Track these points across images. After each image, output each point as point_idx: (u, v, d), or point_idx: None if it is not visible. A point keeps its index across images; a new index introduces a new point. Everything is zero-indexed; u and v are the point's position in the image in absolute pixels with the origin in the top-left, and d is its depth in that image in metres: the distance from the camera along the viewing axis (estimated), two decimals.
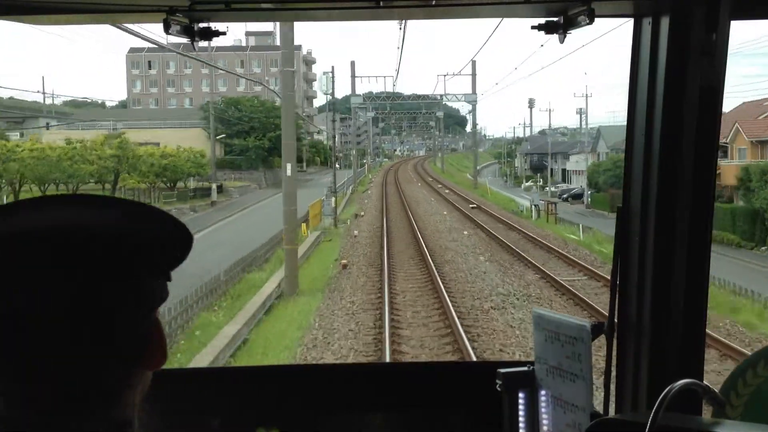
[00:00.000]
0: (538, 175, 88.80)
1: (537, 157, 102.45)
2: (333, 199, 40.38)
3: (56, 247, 1.05)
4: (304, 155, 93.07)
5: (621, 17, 2.45)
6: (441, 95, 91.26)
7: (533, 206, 48.90)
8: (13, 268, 1.05)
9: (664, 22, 2.21)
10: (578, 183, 77.14)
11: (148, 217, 1.14)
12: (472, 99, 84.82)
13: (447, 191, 66.61)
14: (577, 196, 70.31)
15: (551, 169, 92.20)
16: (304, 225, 32.65)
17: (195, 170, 60.36)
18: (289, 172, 22.15)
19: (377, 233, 33.54)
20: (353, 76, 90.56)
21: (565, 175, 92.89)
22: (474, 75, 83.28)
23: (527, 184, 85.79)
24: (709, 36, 2.12)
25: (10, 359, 1.05)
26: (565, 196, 72.29)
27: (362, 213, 45.11)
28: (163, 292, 1.15)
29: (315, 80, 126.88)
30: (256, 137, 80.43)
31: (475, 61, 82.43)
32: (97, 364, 1.06)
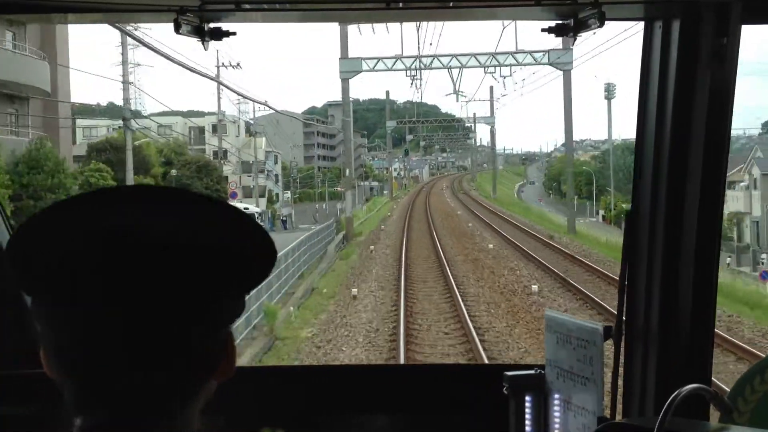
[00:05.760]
0: None
1: None
2: None
3: (149, 252, 1.02)
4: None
5: (632, 20, 2.45)
6: (461, 118, 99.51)
7: None
8: (96, 266, 1.01)
9: (675, 26, 2.20)
10: None
11: (245, 230, 1.09)
12: (490, 121, 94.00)
13: None
14: None
15: None
16: None
17: None
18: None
19: None
20: (388, 102, 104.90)
21: None
22: (492, 99, 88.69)
23: None
24: (719, 40, 2.11)
25: (80, 363, 1.03)
26: None
27: None
28: (241, 309, 1.11)
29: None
30: None
31: (492, 87, 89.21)
32: (168, 377, 1.04)
